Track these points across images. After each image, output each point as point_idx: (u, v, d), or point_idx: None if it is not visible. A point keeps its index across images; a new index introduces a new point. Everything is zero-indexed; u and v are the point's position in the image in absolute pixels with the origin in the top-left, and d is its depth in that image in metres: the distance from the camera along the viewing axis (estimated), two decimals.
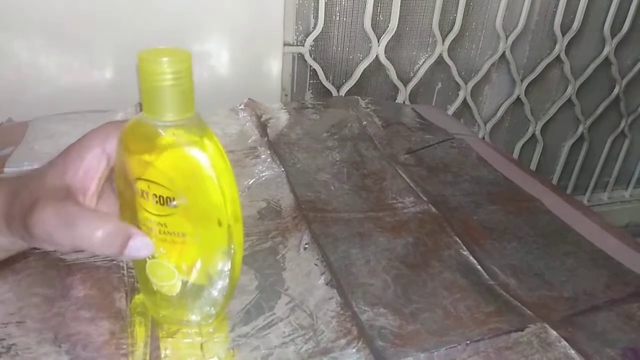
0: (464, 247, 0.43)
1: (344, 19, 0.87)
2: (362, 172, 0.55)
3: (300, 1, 0.82)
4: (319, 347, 0.32)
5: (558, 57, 1.06)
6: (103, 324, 0.32)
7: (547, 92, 1.12)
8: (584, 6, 1.01)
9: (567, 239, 0.46)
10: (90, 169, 0.31)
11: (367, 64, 0.91)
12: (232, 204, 0.29)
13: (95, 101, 0.65)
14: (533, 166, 1.20)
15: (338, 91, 0.92)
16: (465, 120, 1.07)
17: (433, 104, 1.03)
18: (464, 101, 1.04)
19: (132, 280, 0.36)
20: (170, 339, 0.32)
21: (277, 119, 0.66)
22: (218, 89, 0.77)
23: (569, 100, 1.13)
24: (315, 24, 0.84)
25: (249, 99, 0.68)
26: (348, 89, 0.92)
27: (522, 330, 0.34)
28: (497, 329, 0.34)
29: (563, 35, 1.03)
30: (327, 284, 0.37)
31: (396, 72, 0.94)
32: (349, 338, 0.33)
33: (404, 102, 0.97)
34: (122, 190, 0.30)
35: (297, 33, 0.85)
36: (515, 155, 1.17)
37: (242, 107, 0.67)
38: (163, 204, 0.28)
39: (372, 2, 0.85)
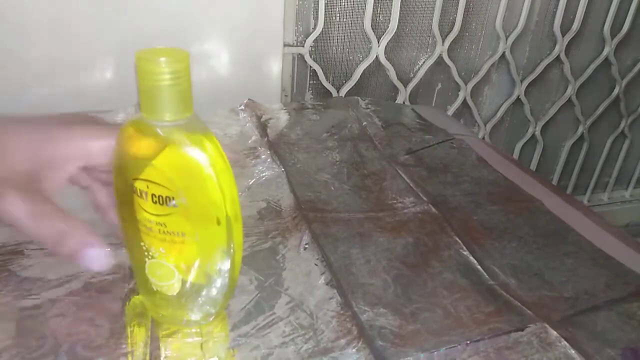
0: (464, 247, 0.43)
1: (344, 20, 0.87)
2: (362, 173, 0.55)
3: (300, 2, 0.82)
4: (319, 347, 0.32)
5: (558, 58, 1.06)
6: (103, 324, 0.32)
7: (547, 92, 1.12)
8: (584, 7, 1.01)
9: (567, 239, 0.46)
10: (71, 158, 0.31)
11: (367, 65, 0.91)
12: (232, 203, 0.29)
13: (95, 101, 0.65)
14: (533, 166, 1.20)
15: (338, 92, 0.92)
16: (465, 120, 1.07)
17: (433, 104, 1.03)
18: (464, 101, 1.04)
19: (132, 280, 0.36)
20: (170, 339, 0.32)
21: (277, 119, 0.66)
22: (218, 89, 0.77)
23: (569, 100, 1.13)
24: (315, 25, 0.84)
25: (249, 99, 0.68)
26: (348, 89, 0.92)
27: (522, 330, 0.34)
28: (497, 329, 0.34)
29: (563, 36, 1.03)
30: (327, 284, 0.37)
31: (396, 73, 0.94)
32: (349, 338, 0.33)
33: (403, 103, 0.97)
34: (120, 191, 0.30)
35: (297, 34, 0.85)
36: (515, 155, 1.17)
37: (242, 107, 0.67)
38: (162, 204, 0.27)
39: (372, 2, 0.85)
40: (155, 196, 0.27)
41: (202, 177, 0.28)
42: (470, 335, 0.34)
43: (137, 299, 0.35)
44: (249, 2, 0.74)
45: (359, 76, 0.91)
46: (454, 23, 0.94)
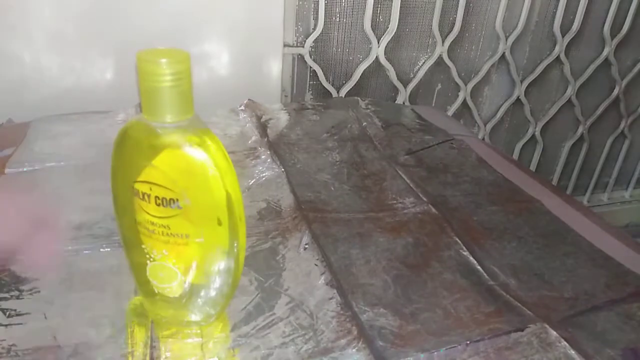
0: (464, 248, 0.43)
1: (344, 20, 0.87)
2: (362, 173, 0.55)
3: (300, 2, 0.82)
4: (319, 347, 0.32)
5: (558, 58, 1.06)
6: (103, 324, 0.32)
7: (547, 93, 1.12)
8: (584, 7, 1.01)
9: (567, 239, 0.46)
10: None
11: (367, 65, 0.91)
12: (237, 204, 0.29)
13: (96, 102, 0.65)
14: (533, 167, 1.20)
15: (338, 92, 0.92)
16: (465, 121, 1.07)
17: (433, 104, 1.03)
18: (464, 102, 1.04)
19: (133, 280, 0.36)
20: (170, 339, 0.32)
21: (277, 119, 0.66)
22: (218, 89, 0.77)
23: (569, 101, 1.13)
24: (315, 25, 0.84)
25: (249, 99, 0.68)
26: (348, 90, 0.92)
27: (522, 331, 0.34)
28: (497, 329, 0.34)
29: (563, 36, 1.03)
30: (327, 284, 0.37)
31: (396, 73, 0.94)
32: (349, 338, 0.33)
33: (403, 103, 0.97)
34: (118, 194, 0.29)
35: (297, 34, 0.85)
36: (515, 155, 1.17)
37: (242, 108, 0.67)
38: (166, 206, 0.27)
39: (372, 3, 0.85)
40: (159, 198, 0.27)
41: (207, 178, 0.28)
42: (470, 336, 0.34)
43: (137, 299, 0.35)
44: (249, 2, 0.74)
45: (359, 76, 0.91)
46: (454, 23, 0.94)
